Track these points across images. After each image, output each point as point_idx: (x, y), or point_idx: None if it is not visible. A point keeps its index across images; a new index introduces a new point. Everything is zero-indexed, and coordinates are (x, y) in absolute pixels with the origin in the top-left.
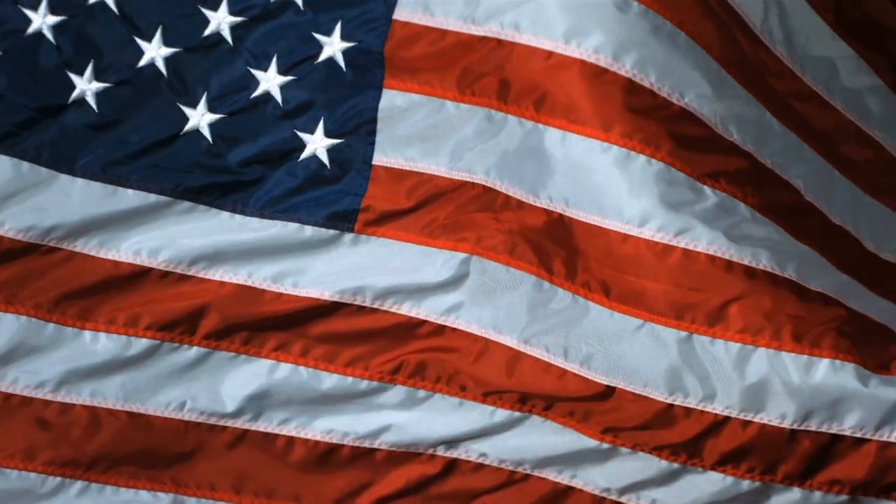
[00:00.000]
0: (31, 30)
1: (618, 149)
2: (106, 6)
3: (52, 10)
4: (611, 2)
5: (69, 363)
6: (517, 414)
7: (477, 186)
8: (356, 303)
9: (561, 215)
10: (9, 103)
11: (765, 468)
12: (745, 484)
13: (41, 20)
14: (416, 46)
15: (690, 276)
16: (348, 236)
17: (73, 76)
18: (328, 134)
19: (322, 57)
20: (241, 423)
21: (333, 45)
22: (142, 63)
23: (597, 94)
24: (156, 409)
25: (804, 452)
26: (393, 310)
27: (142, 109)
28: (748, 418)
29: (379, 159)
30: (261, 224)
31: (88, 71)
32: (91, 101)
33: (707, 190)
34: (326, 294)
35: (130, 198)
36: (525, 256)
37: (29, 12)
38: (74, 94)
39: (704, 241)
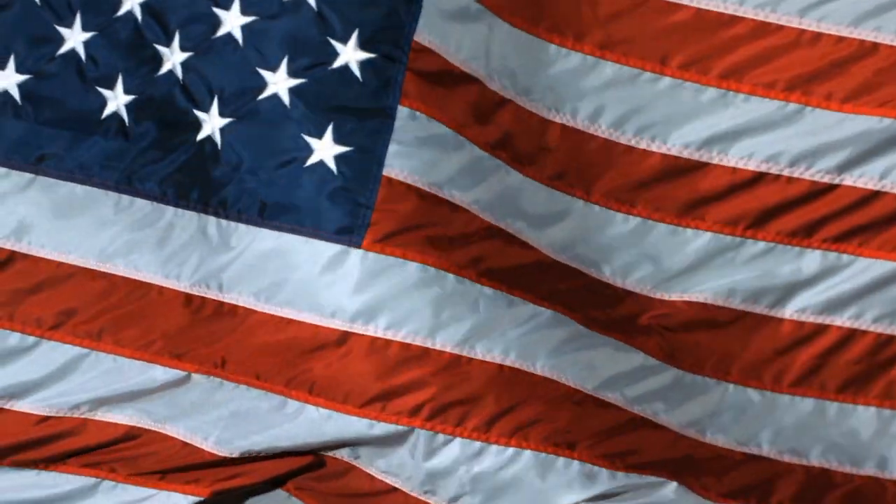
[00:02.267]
0: (64, 49)
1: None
2: (132, 15)
3: (85, 27)
4: None
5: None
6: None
7: (483, 221)
8: (368, 333)
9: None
10: (45, 124)
11: None
12: None
13: (75, 38)
14: (434, 69)
15: None
16: (356, 253)
17: (104, 91)
18: (338, 141)
19: (336, 63)
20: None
21: (349, 54)
22: (162, 70)
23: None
24: (192, 437)
25: None
26: (407, 340)
27: (163, 118)
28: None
29: (389, 171)
30: (270, 236)
31: (119, 85)
32: (124, 114)
33: None
34: (337, 322)
35: (156, 213)
36: (532, 289)
37: (64, 31)
38: (108, 109)
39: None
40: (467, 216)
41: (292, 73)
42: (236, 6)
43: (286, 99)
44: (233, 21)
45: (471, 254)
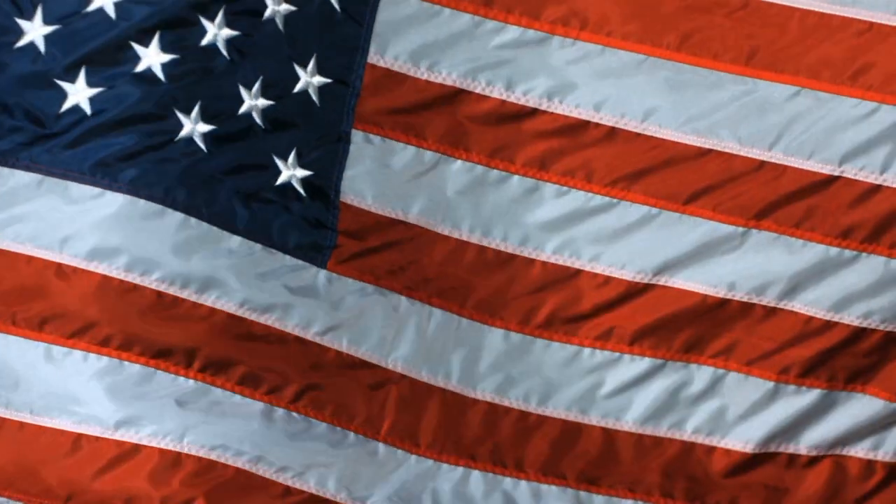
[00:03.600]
0: (23, 42)
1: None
2: (103, 12)
3: (46, 20)
4: None
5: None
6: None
7: (440, 235)
8: (334, 347)
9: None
10: (5, 116)
11: None
12: None
13: (35, 31)
14: (389, 90)
15: None
16: (322, 274)
17: (63, 84)
18: (301, 164)
19: (297, 88)
20: (241, 464)
21: (308, 78)
22: (139, 69)
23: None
24: (150, 440)
25: None
26: (365, 357)
27: (136, 113)
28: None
29: (345, 197)
30: (242, 244)
31: (81, 78)
32: (86, 107)
33: None
34: (310, 334)
35: (120, 203)
36: (492, 312)
37: (23, 23)
38: (67, 103)
39: None
40: (421, 231)
41: (264, 94)
42: (220, 18)
43: (258, 119)
44: (217, 32)
45: (424, 274)
